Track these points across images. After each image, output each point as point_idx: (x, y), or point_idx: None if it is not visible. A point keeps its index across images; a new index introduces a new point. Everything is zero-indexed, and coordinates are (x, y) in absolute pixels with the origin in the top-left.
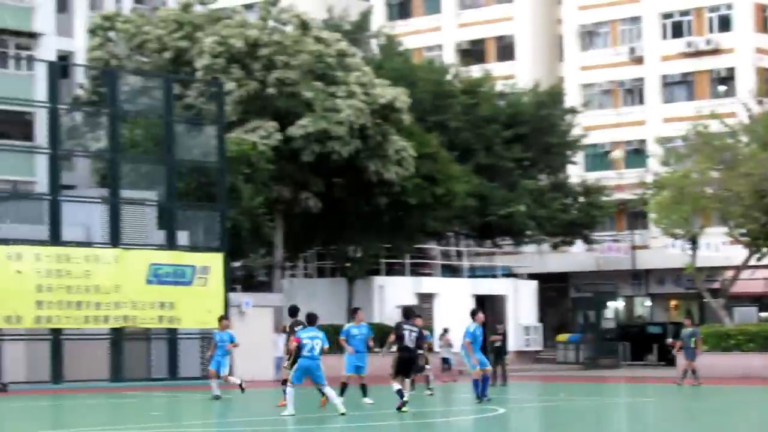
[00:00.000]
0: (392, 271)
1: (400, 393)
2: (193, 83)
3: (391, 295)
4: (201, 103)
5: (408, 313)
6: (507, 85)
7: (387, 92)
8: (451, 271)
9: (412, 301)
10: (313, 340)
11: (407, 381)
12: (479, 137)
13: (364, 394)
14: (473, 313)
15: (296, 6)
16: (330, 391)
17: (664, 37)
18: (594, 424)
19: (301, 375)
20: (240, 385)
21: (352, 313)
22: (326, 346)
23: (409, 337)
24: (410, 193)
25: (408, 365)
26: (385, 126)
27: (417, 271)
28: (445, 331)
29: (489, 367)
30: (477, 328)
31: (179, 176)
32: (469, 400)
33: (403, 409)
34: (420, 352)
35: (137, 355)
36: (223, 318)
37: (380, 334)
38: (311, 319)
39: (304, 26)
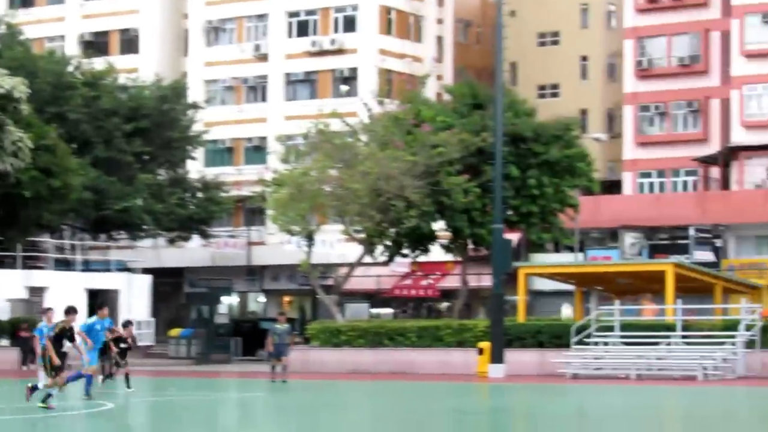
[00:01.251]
0: (3, 264)
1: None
2: None
3: (0, 288)
4: None
5: (69, 310)
6: (130, 78)
7: (5, 82)
8: (65, 264)
9: (23, 294)
10: None
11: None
12: (99, 130)
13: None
14: (99, 307)
15: None
16: None
17: (290, 35)
18: (200, 420)
19: None
20: None
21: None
22: None
23: None
24: (26, 186)
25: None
26: (1, 116)
27: (29, 264)
28: (127, 324)
29: (95, 366)
30: (98, 322)
31: None
32: (80, 394)
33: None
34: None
35: None
36: None
37: None
38: None
39: None
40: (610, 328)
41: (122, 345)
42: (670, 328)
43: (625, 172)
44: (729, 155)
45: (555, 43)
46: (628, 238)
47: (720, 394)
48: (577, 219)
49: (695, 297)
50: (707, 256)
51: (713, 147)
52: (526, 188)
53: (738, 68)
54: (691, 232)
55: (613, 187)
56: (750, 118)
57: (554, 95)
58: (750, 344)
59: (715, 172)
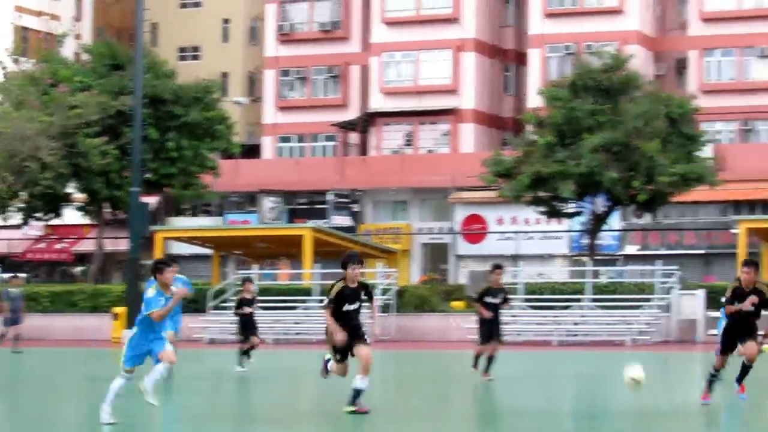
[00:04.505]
0: None
1: None
2: None
3: None
4: None
5: None
6: None
7: None
8: None
9: None
10: None
11: None
12: None
13: None
14: None
15: None
16: None
17: None
18: None
19: None
20: None
21: None
22: None
23: None
24: None
25: None
26: None
27: None
28: None
29: None
30: None
31: None
32: None
33: None
34: None
35: None
36: None
37: None
38: None
39: None
40: None
41: None
42: (307, 292)
43: (265, 136)
44: (368, 121)
45: (197, 5)
46: (267, 203)
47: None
48: (216, 182)
49: (334, 261)
50: (345, 220)
51: (353, 113)
52: (165, 151)
53: (378, 35)
54: (330, 197)
55: (253, 151)
56: (389, 85)
57: (195, 58)
58: (385, 308)
59: (354, 137)
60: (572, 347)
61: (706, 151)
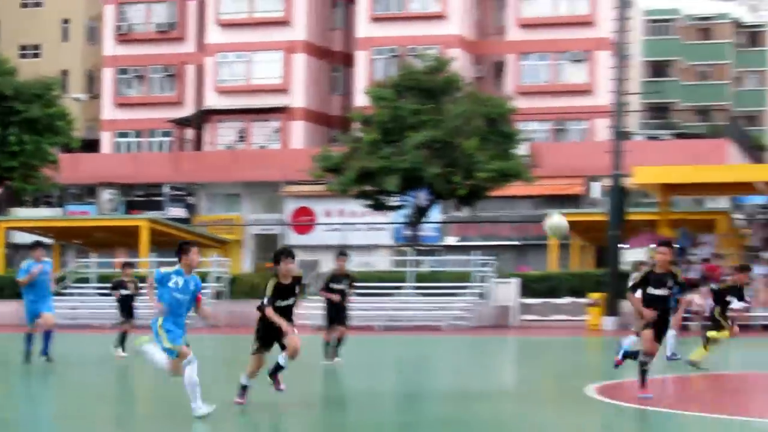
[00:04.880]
0: None
1: None
2: None
3: None
4: None
5: None
6: None
7: None
8: None
9: None
10: None
11: None
12: None
13: None
14: None
15: None
16: None
17: None
18: None
19: None
20: None
21: None
22: None
23: None
24: None
25: None
26: None
27: None
28: None
29: None
30: None
31: None
32: None
33: None
34: None
35: None
36: None
37: None
38: None
39: None
40: (86, 280)
41: None
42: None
43: (104, 131)
44: (202, 118)
45: (37, 5)
46: (106, 195)
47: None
48: (57, 175)
49: (170, 251)
50: (181, 212)
51: (188, 110)
52: (6, 145)
53: (212, 36)
54: (166, 189)
55: (92, 145)
56: (222, 84)
57: (36, 56)
58: (218, 295)
59: (189, 133)
60: (394, 332)
61: (522, 149)
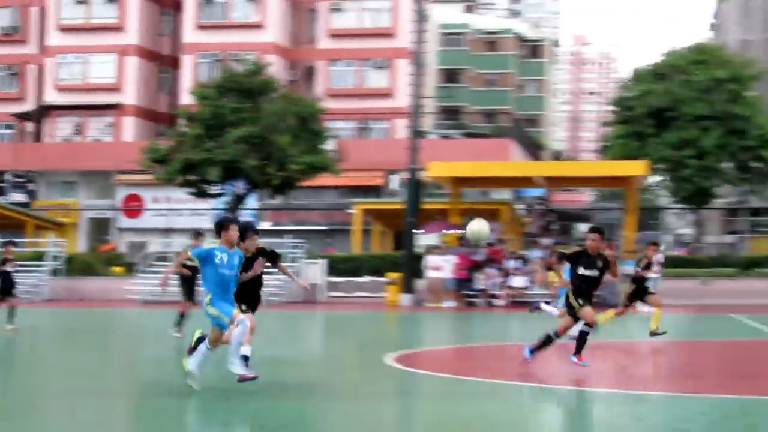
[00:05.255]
0: None
1: None
2: None
3: None
4: None
5: None
6: None
7: None
8: None
9: None
10: None
11: None
12: None
13: None
14: None
15: None
16: None
17: None
18: None
19: None
20: None
21: None
22: None
23: None
24: None
25: None
26: None
27: None
28: None
29: None
30: None
31: None
32: None
33: None
34: None
35: None
36: None
37: None
38: None
39: None
40: None
41: None
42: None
43: None
44: (42, 113)
45: None
46: None
47: (31, 314)
48: None
49: (10, 232)
50: (21, 197)
51: (29, 105)
52: None
53: (53, 39)
54: (8, 177)
55: None
56: (61, 82)
57: None
58: (55, 272)
59: (30, 126)
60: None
61: (330, 145)
